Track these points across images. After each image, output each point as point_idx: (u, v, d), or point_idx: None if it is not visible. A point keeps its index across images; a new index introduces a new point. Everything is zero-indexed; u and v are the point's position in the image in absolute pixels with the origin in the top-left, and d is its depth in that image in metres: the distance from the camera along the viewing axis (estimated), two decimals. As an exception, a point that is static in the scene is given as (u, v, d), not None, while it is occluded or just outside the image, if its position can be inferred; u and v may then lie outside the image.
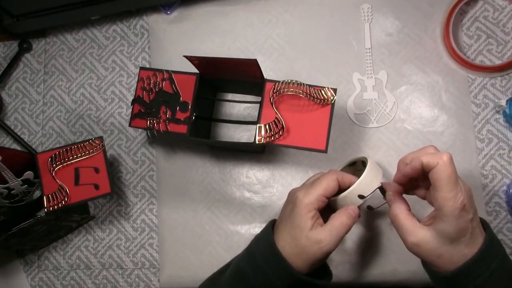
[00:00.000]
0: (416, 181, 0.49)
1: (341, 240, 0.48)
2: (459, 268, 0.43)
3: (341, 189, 0.51)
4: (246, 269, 0.49)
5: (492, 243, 0.44)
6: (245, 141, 0.69)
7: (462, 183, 0.44)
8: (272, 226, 0.52)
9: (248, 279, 0.49)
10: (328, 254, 0.48)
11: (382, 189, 0.51)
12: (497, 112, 0.65)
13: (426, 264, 0.48)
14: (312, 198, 0.48)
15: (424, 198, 0.50)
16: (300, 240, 0.47)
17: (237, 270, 0.50)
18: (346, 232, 0.49)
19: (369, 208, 0.55)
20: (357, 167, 0.60)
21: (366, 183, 0.50)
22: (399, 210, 0.47)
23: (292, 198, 0.51)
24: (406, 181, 0.48)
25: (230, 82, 0.65)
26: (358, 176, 0.51)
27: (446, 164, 0.43)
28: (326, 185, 0.49)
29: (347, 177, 0.51)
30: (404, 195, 0.51)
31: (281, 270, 0.47)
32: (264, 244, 0.50)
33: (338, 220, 0.48)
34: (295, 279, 0.47)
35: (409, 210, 0.48)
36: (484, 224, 0.46)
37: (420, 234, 0.44)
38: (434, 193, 0.43)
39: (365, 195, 0.50)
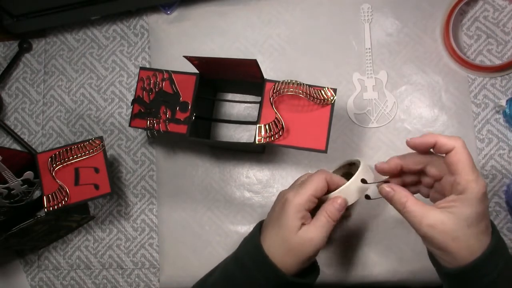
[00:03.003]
0: (418, 180, 0.49)
1: (329, 234, 0.48)
2: (479, 258, 0.42)
3: (329, 189, 0.50)
4: (234, 273, 0.49)
5: (500, 238, 0.44)
6: (245, 141, 0.69)
7: None
8: (260, 227, 0.52)
9: (237, 283, 0.48)
10: (318, 250, 0.47)
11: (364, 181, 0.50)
12: (497, 112, 0.65)
13: (437, 258, 0.46)
14: (302, 199, 0.47)
15: (427, 196, 0.50)
16: (289, 240, 0.47)
17: (226, 274, 0.50)
18: (333, 225, 0.48)
19: (367, 197, 0.53)
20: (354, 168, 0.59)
21: (357, 184, 0.50)
22: (406, 198, 0.45)
23: (281, 198, 0.50)
24: (397, 169, 0.48)
25: (230, 82, 0.65)
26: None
27: (463, 147, 0.43)
28: (315, 185, 0.48)
29: (336, 178, 0.50)
30: None
31: (267, 271, 0.47)
32: (251, 246, 0.49)
33: (323, 215, 0.48)
34: (282, 280, 0.47)
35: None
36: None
37: (434, 215, 0.43)
38: (455, 178, 0.42)
39: (353, 199, 0.50)
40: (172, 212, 0.69)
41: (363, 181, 0.49)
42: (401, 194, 0.45)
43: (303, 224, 0.48)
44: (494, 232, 0.44)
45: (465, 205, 0.42)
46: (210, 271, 0.54)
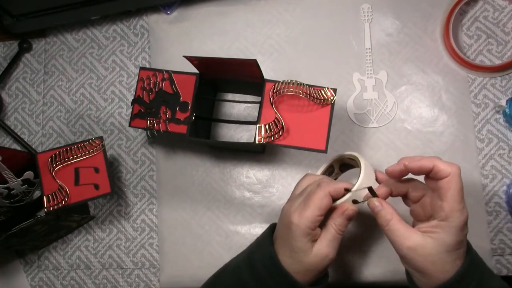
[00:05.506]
0: (406, 192, 0.50)
1: (340, 243, 0.49)
2: (454, 276, 0.43)
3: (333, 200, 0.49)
4: (250, 284, 0.49)
5: (474, 259, 0.46)
6: (245, 141, 0.69)
7: None
8: (271, 233, 0.51)
9: None
10: (333, 260, 0.48)
11: (371, 189, 0.49)
12: (497, 112, 0.65)
13: (413, 278, 0.48)
14: (308, 221, 0.46)
15: (407, 205, 0.51)
16: (305, 261, 0.47)
17: (241, 283, 0.49)
18: (342, 235, 0.49)
19: (354, 201, 0.53)
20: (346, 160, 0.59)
21: (362, 188, 0.49)
22: (392, 215, 0.46)
23: (286, 219, 0.48)
24: (400, 176, 0.48)
25: (230, 82, 0.65)
26: (350, 164, 0.50)
27: (458, 176, 0.44)
28: (319, 204, 0.47)
29: (339, 187, 0.48)
30: None
31: (287, 285, 0.47)
32: (267, 260, 0.49)
33: (333, 228, 0.48)
34: None
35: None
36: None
37: (416, 238, 0.44)
38: (442, 203, 0.44)
39: (359, 201, 0.49)
40: (172, 212, 0.69)
41: (354, 201, 0.49)
42: (388, 210, 0.47)
43: (314, 240, 0.48)
44: (469, 253, 0.45)
45: (447, 232, 0.43)
46: (214, 279, 0.53)
